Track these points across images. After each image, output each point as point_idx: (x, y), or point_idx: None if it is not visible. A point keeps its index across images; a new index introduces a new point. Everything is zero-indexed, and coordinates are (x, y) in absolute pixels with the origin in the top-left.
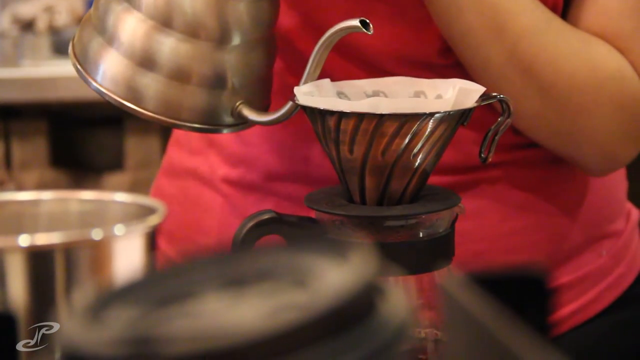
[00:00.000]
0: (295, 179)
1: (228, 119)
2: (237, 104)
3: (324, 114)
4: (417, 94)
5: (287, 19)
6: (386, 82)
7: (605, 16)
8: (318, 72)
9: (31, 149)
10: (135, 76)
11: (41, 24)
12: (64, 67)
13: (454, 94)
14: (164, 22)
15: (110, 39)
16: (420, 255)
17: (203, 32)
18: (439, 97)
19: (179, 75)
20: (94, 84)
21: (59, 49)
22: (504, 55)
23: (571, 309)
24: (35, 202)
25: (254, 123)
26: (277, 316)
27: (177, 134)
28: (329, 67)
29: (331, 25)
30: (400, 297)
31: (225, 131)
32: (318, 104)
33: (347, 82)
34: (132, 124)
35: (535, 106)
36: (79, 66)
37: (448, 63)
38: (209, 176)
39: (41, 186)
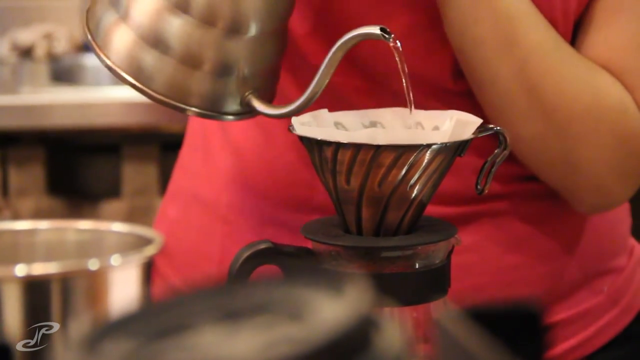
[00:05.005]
0: (297, 207)
1: (235, 108)
2: (247, 93)
3: (321, 144)
4: (414, 125)
5: (298, 24)
6: (383, 112)
7: (611, 51)
8: (331, 73)
9: (28, 176)
10: (146, 56)
11: (40, 51)
12: (63, 95)
13: (451, 125)
14: (181, 6)
15: (124, 16)
16: (416, 286)
17: (218, 20)
18: (436, 128)
19: (191, 60)
20: (106, 60)
21: (58, 76)
22: (513, 70)
23: (570, 345)
24: (32, 232)
25: (261, 114)
26: (272, 350)
27: (181, 158)
28: (335, 82)
29: (344, 32)
30: (396, 330)
31: (229, 119)
32: (315, 134)
33: (344, 113)
34: (129, 151)
35: (537, 129)
36: (91, 40)
37: (459, 90)
38: (211, 201)
39: (38, 213)
